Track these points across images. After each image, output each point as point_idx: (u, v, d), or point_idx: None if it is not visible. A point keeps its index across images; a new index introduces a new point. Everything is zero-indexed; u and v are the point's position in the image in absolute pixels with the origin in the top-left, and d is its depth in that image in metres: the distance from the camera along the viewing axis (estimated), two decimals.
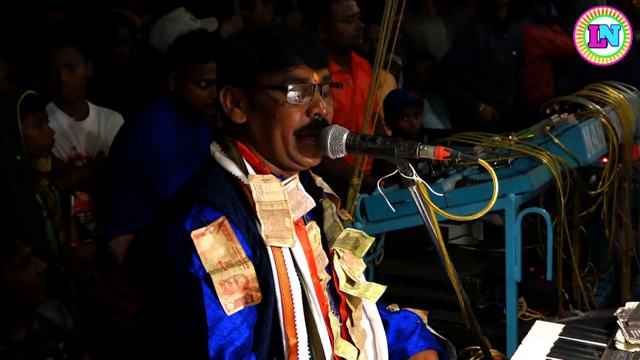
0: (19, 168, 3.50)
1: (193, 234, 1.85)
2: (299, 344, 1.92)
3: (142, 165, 3.63)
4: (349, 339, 2.08)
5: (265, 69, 1.96)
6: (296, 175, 2.03)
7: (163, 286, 1.95)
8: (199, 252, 1.85)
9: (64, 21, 5.41)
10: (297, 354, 1.92)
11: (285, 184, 1.97)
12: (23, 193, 3.52)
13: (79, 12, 5.57)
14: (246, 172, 1.97)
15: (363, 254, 2.16)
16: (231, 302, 1.85)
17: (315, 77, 1.98)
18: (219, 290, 1.84)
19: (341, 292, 2.09)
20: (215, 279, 1.84)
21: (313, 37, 2.06)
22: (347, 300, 2.10)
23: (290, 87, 1.94)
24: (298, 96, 1.96)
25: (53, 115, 4.05)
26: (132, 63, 5.15)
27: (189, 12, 5.65)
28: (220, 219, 1.88)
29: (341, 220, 2.20)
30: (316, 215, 2.12)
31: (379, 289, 2.09)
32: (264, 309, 1.92)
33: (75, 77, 4.08)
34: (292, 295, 1.92)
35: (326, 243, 2.12)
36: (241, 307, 1.86)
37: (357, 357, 2.08)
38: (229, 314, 1.84)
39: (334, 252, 2.10)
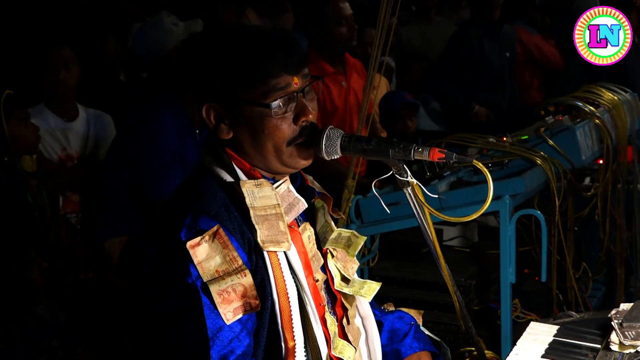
0: (7, 169, 3.49)
1: (188, 244, 1.84)
2: (296, 346, 1.92)
3: (140, 163, 3.63)
4: (346, 338, 2.08)
5: (245, 84, 1.90)
6: (287, 178, 2.01)
7: (160, 296, 1.94)
8: (195, 263, 1.84)
9: (58, 22, 5.41)
10: (295, 356, 1.91)
11: (277, 187, 1.96)
12: (14, 194, 3.50)
13: (73, 14, 5.56)
14: (237, 178, 1.95)
15: (356, 253, 2.16)
16: (230, 311, 1.84)
17: (296, 81, 1.92)
18: (217, 300, 1.83)
19: (336, 290, 2.09)
20: (214, 289, 1.83)
21: (288, 37, 1.97)
22: (342, 299, 2.10)
23: (273, 101, 1.89)
24: (282, 105, 1.91)
25: (43, 116, 4.06)
26: (125, 65, 5.14)
27: (172, 16, 5.58)
28: (215, 228, 1.86)
29: (334, 219, 2.19)
30: (309, 215, 2.11)
31: (374, 286, 2.09)
32: (261, 313, 1.91)
33: (71, 76, 4.11)
34: (288, 297, 1.92)
35: (319, 243, 2.11)
36: (240, 316, 1.85)
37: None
38: (228, 323, 1.84)
39: (327, 251, 2.10)
